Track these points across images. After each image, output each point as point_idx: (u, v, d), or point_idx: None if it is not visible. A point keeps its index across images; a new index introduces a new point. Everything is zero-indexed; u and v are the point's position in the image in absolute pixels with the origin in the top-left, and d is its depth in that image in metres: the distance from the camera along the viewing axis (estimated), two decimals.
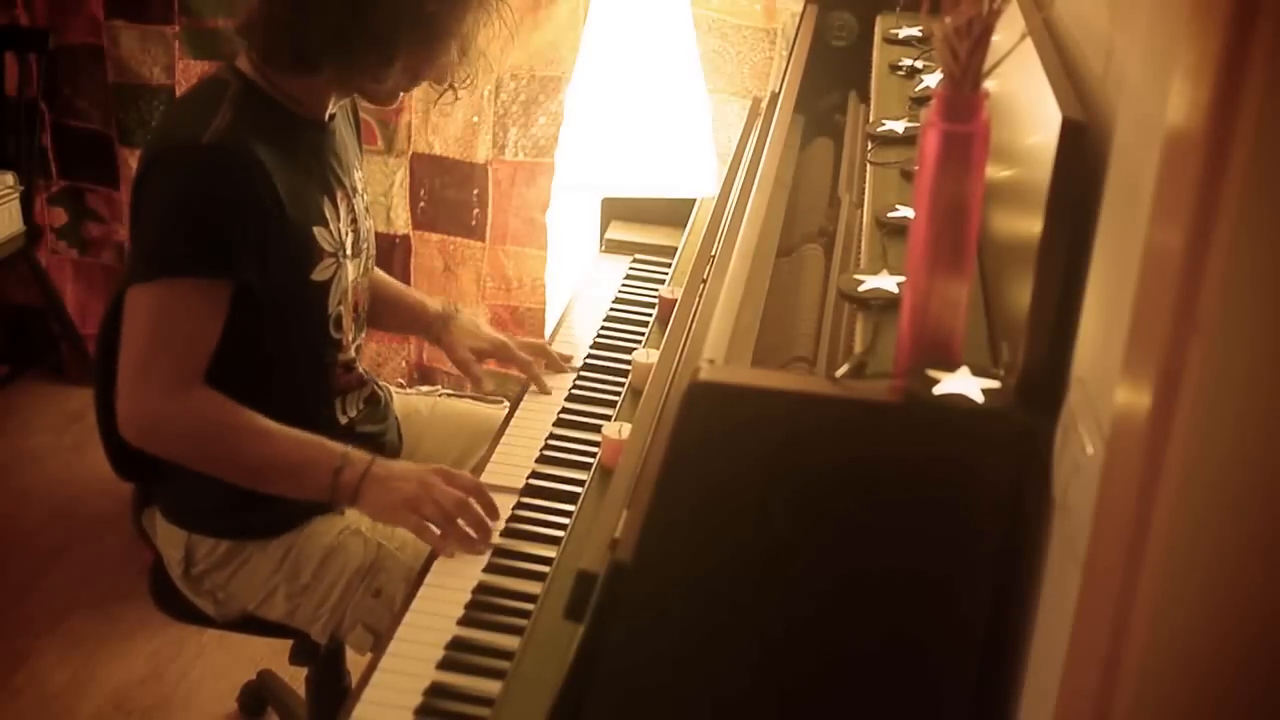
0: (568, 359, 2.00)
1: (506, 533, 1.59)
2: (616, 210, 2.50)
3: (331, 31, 1.58)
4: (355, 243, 1.78)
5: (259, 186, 1.59)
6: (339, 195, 1.74)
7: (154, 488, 1.85)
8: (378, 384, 1.92)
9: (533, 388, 1.93)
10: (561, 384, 1.94)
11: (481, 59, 1.75)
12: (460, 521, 1.57)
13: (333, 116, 1.76)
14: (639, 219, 2.48)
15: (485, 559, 1.54)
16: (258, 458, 1.64)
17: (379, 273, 2.01)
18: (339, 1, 1.56)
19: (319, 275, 1.69)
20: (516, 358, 1.96)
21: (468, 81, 1.77)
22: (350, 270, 1.76)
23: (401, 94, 1.74)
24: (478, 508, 1.58)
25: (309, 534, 1.75)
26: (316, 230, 1.68)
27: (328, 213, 1.70)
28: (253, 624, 1.82)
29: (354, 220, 1.78)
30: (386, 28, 1.58)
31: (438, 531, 1.57)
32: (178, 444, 1.65)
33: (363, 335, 1.87)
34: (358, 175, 1.83)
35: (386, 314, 2.01)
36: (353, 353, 1.82)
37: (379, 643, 1.46)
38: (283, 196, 1.61)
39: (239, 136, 1.58)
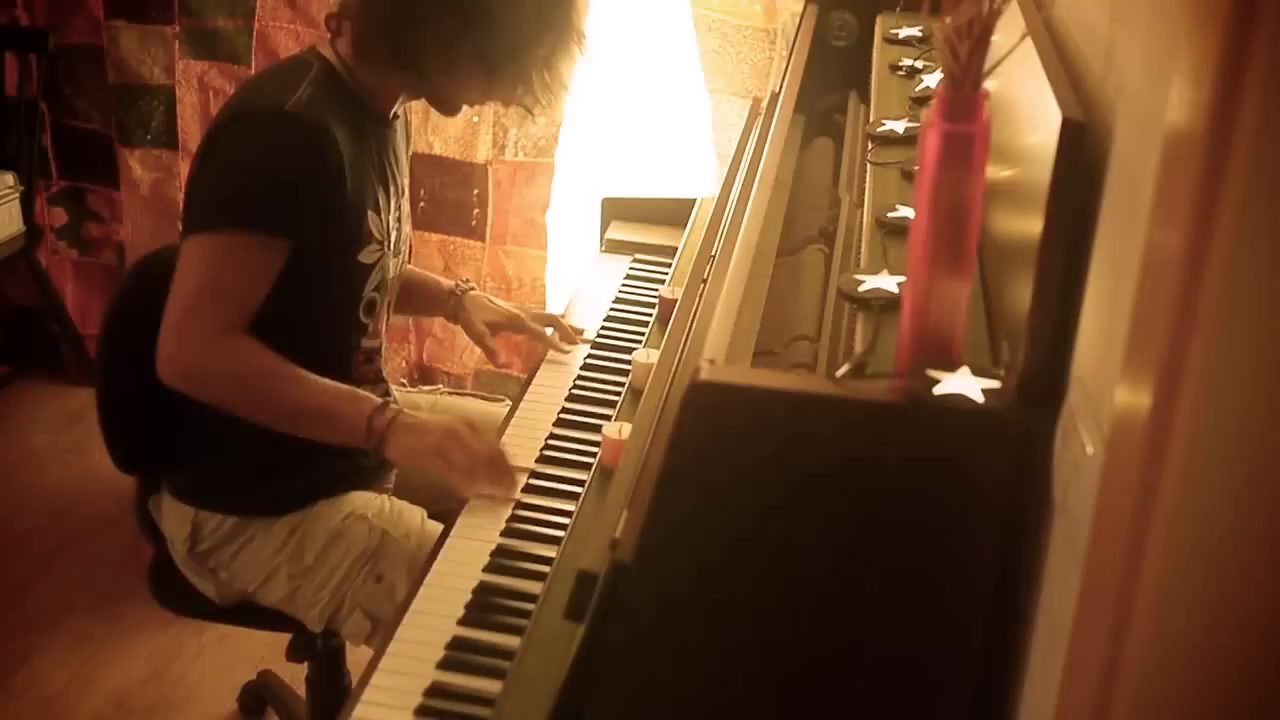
0: (579, 331, 2.05)
1: (506, 533, 1.59)
2: (616, 210, 2.50)
3: (439, 44, 1.66)
4: (397, 240, 1.84)
5: (331, 159, 1.65)
6: (392, 190, 1.81)
7: (163, 470, 1.86)
8: (390, 387, 1.94)
9: (551, 355, 2.00)
10: (562, 383, 1.94)
11: (560, 88, 1.78)
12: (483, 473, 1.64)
13: (396, 116, 1.83)
14: (639, 219, 2.48)
15: (486, 558, 1.54)
16: (294, 401, 1.68)
17: None
18: (453, 20, 1.64)
19: (365, 258, 1.75)
20: (529, 329, 2.06)
21: (545, 107, 1.81)
22: (391, 266, 1.82)
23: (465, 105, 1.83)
24: (500, 464, 1.66)
25: (315, 516, 1.77)
26: (370, 214, 1.74)
27: (381, 201, 1.77)
28: (250, 613, 1.83)
29: (399, 219, 1.84)
30: (494, 49, 1.67)
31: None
32: (216, 387, 1.68)
33: (385, 333, 1.90)
34: (405, 179, 1.89)
35: (403, 296, 2.06)
36: (377, 342, 1.86)
37: (376, 631, 1.47)
38: (348, 174, 1.68)
39: (318, 110, 1.65)
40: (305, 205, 1.65)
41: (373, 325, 1.82)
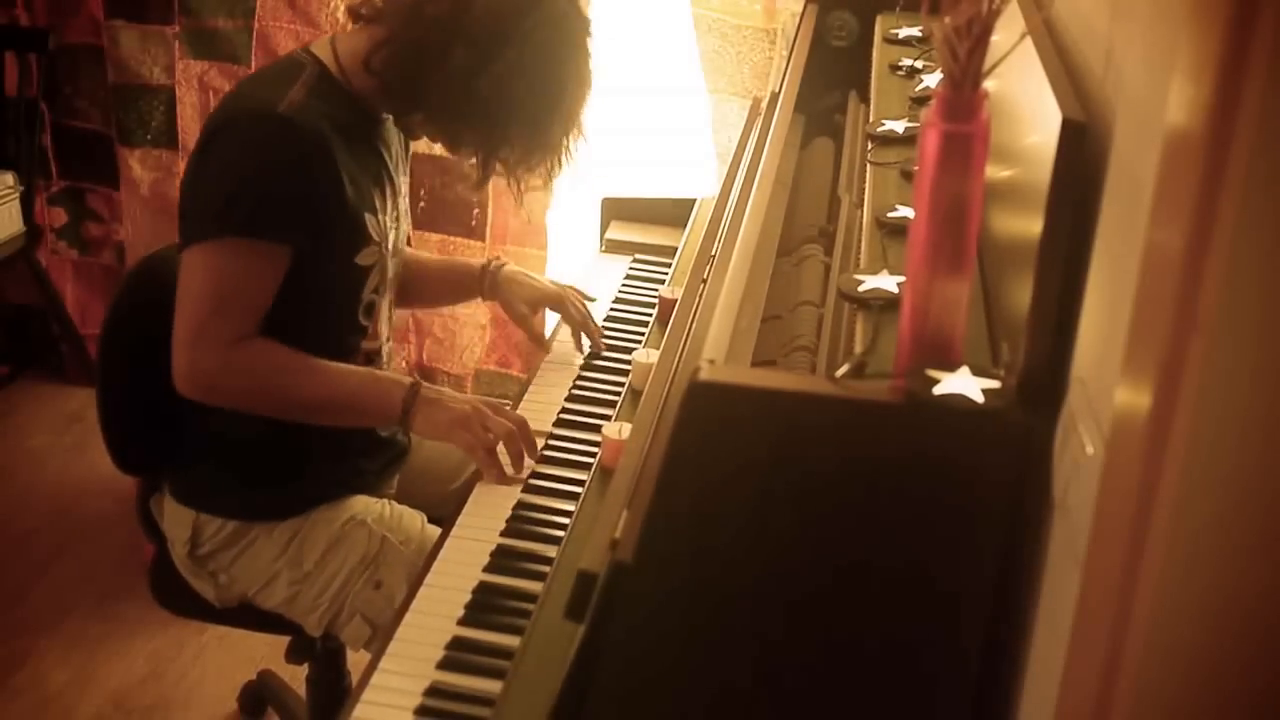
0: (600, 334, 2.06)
1: (506, 532, 1.59)
2: (616, 210, 2.50)
3: (445, 100, 1.66)
4: (395, 241, 1.83)
5: (324, 161, 1.64)
6: (388, 190, 1.79)
7: (165, 472, 1.86)
8: None
9: (550, 356, 2.02)
10: (562, 384, 1.95)
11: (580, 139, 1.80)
12: (502, 449, 1.68)
13: (388, 116, 1.80)
14: (639, 219, 2.48)
15: (486, 558, 1.54)
16: (317, 394, 1.70)
17: (416, 252, 2.08)
18: (462, 82, 1.64)
19: (363, 260, 1.74)
20: (569, 313, 2.04)
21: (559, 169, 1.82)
22: (390, 267, 1.81)
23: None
24: (520, 440, 1.70)
25: (315, 521, 1.77)
26: (367, 216, 1.73)
27: (377, 203, 1.75)
28: (249, 615, 1.83)
29: (397, 218, 1.83)
30: (496, 123, 1.68)
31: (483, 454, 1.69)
32: (237, 395, 1.69)
33: (390, 335, 1.90)
34: (403, 179, 1.88)
35: (436, 285, 2.06)
36: (378, 344, 1.86)
37: (375, 636, 1.47)
38: (343, 176, 1.66)
39: (310, 113, 1.64)
40: (301, 210, 1.63)
41: (372, 327, 1.82)
